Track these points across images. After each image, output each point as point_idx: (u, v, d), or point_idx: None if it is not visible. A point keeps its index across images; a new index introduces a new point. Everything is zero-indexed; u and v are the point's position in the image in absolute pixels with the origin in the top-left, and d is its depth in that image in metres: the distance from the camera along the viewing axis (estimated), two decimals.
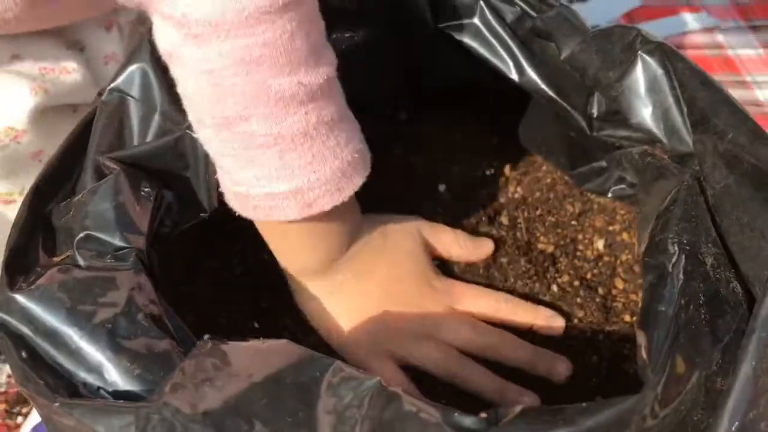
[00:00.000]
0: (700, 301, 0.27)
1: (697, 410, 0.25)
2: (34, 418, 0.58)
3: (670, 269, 0.28)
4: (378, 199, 0.52)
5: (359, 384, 0.27)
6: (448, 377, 0.42)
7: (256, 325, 0.46)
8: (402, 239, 0.46)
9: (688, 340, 0.25)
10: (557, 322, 0.45)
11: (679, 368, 0.25)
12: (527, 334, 0.45)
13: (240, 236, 0.49)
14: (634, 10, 1.13)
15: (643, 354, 0.26)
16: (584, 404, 0.23)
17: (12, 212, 0.48)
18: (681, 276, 0.27)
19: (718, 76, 0.99)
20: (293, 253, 0.43)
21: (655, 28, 1.08)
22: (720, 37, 1.05)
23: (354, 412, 0.26)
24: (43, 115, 0.46)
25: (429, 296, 0.45)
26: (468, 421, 0.23)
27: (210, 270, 0.48)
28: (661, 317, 0.26)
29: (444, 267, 0.48)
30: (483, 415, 0.23)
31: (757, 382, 0.26)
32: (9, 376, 0.68)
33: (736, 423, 0.25)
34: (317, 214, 0.38)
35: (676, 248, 0.29)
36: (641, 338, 0.26)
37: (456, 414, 0.23)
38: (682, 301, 0.26)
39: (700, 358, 0.25)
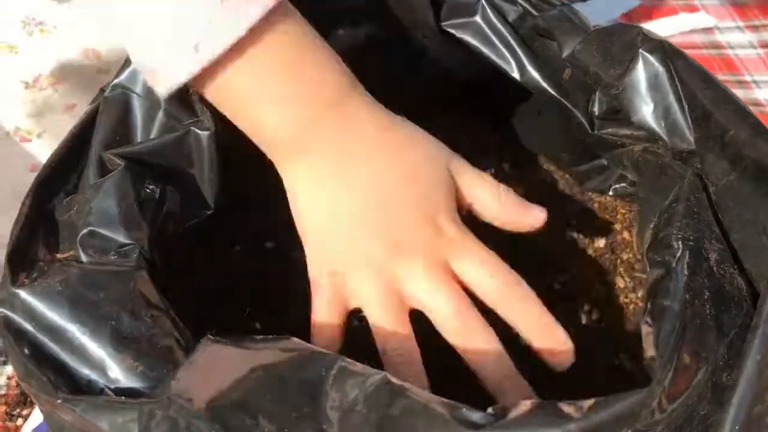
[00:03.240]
0: (705, 297, 0.27)
1: (703, 404, 0.25)
2: (35, 419, 0.58)
3: (675, 265, 0.28)
4: None
5: (364, 379, 0.27)
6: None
7: (258, 325, 0.46)
8: (419, 145, 0.38)
9: (694, 335, 0.25)
10: (565, 357, 0.35)
11: (685, 363, 0.25)
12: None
13: (242, 236, 0.49)
14: (633, 10, 1.13)
15: (651, 349, 0.26)
16: (593, 399, 0.23)
17: (21, 149, 0.48)
18: (685, 272, 0.27)
19: (718, 76, 0.99)
20: (250, 120, 0.36)
21: (654, 28, 1.08)
22: (719, 37, 1.05)
23: (360, 407, 0.26)
24: (79, 71, 0.45)
25: (426, 235, 0.34)
26: (476, 416, 0.23)
27: (211, 269, 0.48)
28: (667, 312, 0.26)
29: None
30: (490, 409, 0.24)
31: (762, 377, 0.26)
32: (9, 378, 0.68)
33: (742, 416, 0.25)
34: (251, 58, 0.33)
35: (680, 244, 0.29)
36: (648, 333, 0.27)
37: (464, 408, 0.23)
38: (687, 297, 0.26)
39: (706, 353, 0.25)
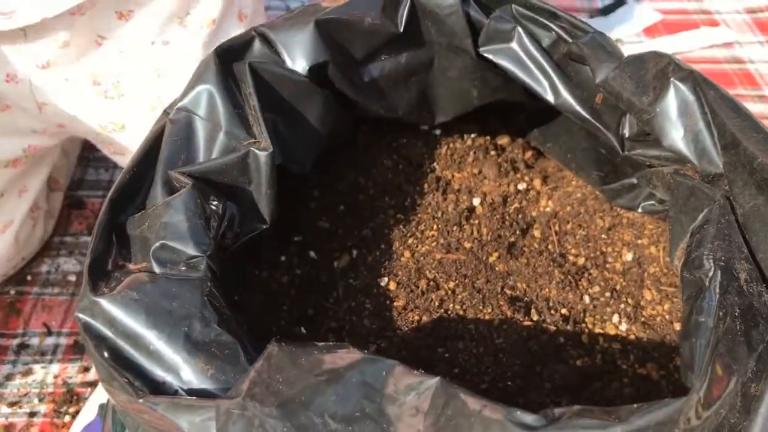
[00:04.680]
0: (736, 314, 0.29)
1: (733, 413, 0.27)
2: (86, 417, 0.61)
3: (708, 284, 0.31)
4: (413, 211, 0.55)
5: (420, 382, 0.29)
6: None
7: (303, 330, 0.49)
8: None
9: (726, 349, 0.28)
10: None
11: (718, 374, 0.27)
12: (553, 336, 0.47)
13: (285, 249, 0.52)
14: (655, 24, 1.15)
15: (687, 361, 0.28)
16: (635, 405, 0.26)
17: None
18: (717, 290, 0.30)
19: (738, 91, 1.01)
20: None
21: (675, 43, 1.10)
22: (740, 52, 1.07)
23: (417, 409, 0.29)
24: None
25: None
26: (529, 418, 0.25)
27: (259, 280, 0.50)
28: (702, 327, 0.28)
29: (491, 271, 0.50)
30: (541, 413, 0.26)
31: None
32: (56, 377, 0.71)
33: None
34: None
35: (712, 264, 0.31)
36: (685, 347, 0.29)
37: (518, 411, 0.26)
38: (720, 313, 0.29)
39: (737, 366, 0.28)
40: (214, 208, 0.39)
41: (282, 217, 0.53)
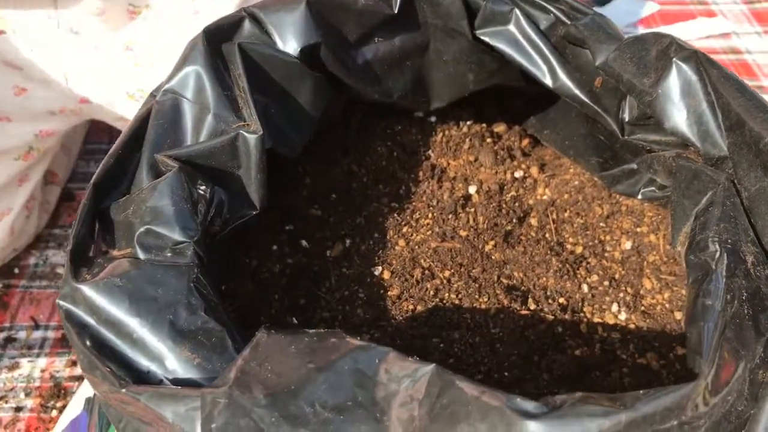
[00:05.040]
0: (743, 297, 0.28)
1: (741, 400, 0.26)
2: (72, 411, 0.59)
3: (714, 266, 0.29)
4: (408, 199, 0.53)
5: (415, 370, 0.28)
6: None
7: (295, 320, 0.47)
8: None
9: (733, 334, 0.27)
10: None
11: (726, 359, 0.26)
12: (551, 325, 0.46)
13: (277, 237, 0.51)
14: (652, 15, 1.14)
15: (695, 345, 0.27)
16: (641, 391, 0.24)
17: None
18: (724, 273, 0.29)
19: None
20: None
21: (672, 33, 1.09)
22: (737, 42, 1.06)
23: (412, 396, 0.27)
24: None
25: None
26: (530, 405, 0.24)
27: (249, 268, 0.49)
28: (709, 311, 0.27)
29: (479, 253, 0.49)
30: (543, 400, 0.25)
31: None
32: (43, 371, 0.69)
33: None
34: None
35: (718, 246, 0.30)
36: (692, 331, 0.28)
37: (518, 398, 0.25)
38: (728, 297, 0.28)
39: (744, 351, 0.27)
40: (201, 192, 0.38)
41: (273, 205, 0.52)
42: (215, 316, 0.34)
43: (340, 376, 0.29)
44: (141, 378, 0.32)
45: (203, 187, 0.38)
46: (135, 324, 0.33)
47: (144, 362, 0.33)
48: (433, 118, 0.58)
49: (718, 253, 0.30)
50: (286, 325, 0.47)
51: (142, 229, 0.36)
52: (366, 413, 0.28)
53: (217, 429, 0.28)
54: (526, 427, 0.24)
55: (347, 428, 0.27)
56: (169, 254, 0.35)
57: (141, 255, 0.35)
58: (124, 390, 0.31)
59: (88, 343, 0.33)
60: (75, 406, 0.60)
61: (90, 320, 0.33)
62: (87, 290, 0.34)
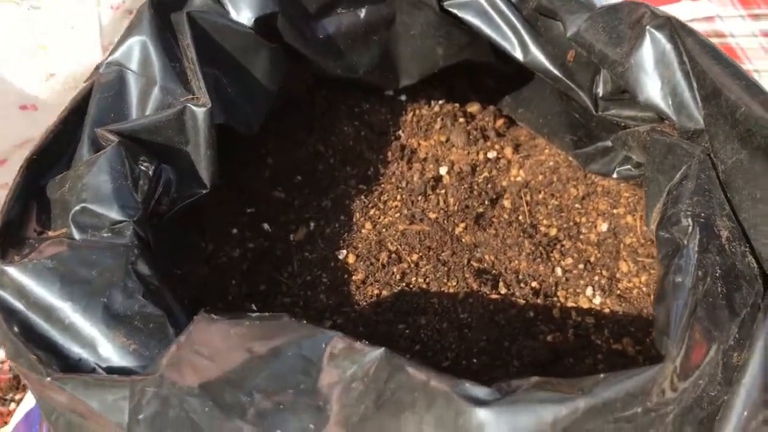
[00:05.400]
0: (717, 275, 0.26)
1: (714, 385, 0.24)
2: (27, 404, 0.57)
3: (686, 242, 0.27)
4: (376, 181, 0.51)
5: (363, 355, 0.26)
6: None
7: (254, 306, 0.45)
8: None
9: (705, 313, 0.25)
10: None
11: (697, 340, 0.24)
12: (523, 310, 0.44)
13: (237, 220, 0.48)
14: None
15: (662, 326, 0.25)
16: (602, 375, 0.22)
17: None
18: (696, 248, 0.27)
19: None
20: None
21: None
22: (721, 26, 1.04)
23: (357, 383, 0.25)
24: None
25: None
26: (480, 392, 0.22)
27: (205, 252, 0.47)
28: (678, 289, 0.25)
29: (446, 236, 0.47)
30: (496, 385, 0.23)
31: None
32: (2, 362, 0.67)
33: (753, 397, 0.24)
34: None
35: (690, 221, 0.28)
36: (659, 310, 0.26)
37: (467, 384, 0.22)
38: (699, 273, 0.25)
39: (717, 332, 0.24)
40: (144, 169, 0.35)
41: (233, 187, 0.49)
42: (155, 300, 0.32)
43: (283, 363, 0.27)
44: (72, 366, 0.30)
45: (146, 164, 0.35)
46: (66, 308, 0.31)
47: (76, 349, 0.30)
48: (403, 97, 0.56)
49: (690, 228, 0.28)
50: (246, 312, 0.44)
51: (77, 208, 0.33)
52: (308, 403, 0.26)
53: (145, 420, 0.26)
54: (474, 416, 0.21)
55: (286, 419, 0.25)
56: (106, 234, 0.33)
57: (76, 235, 0.33)
58: (49, 379, 0.28)
59: (15, 329, 0.31)
60: (30, 399, 0.57)
61: (18, 304, 0.31)
62: (14, 272, 0.31)
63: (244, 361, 0.27)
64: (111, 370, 0.30)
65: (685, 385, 0.23)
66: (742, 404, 0.25)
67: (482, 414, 0.21)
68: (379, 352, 0.26)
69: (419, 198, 0.50)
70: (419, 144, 0.54)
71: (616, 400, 0.21)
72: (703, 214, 0.29)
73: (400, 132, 0.55)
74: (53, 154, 0.37)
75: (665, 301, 0.25)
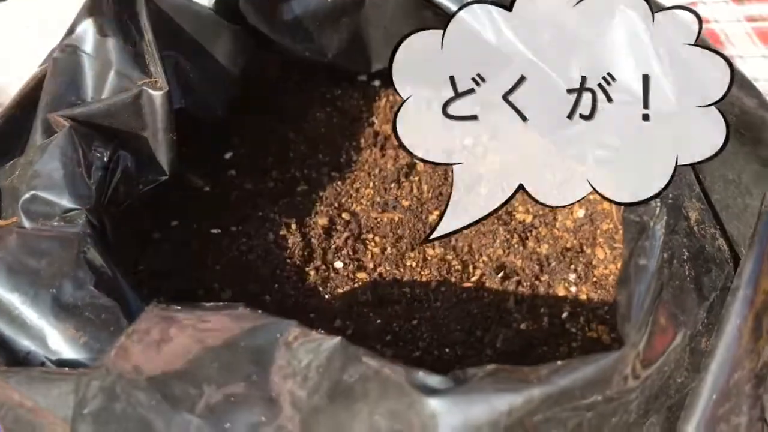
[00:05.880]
0: (684, 257, 0.25)
1: (680, 371, 0.23)
2: None
3: (652, 224, 0.26)
4: (348, 168, 0.50)
5: (318, 345, 0.25)
6: None
7: (222, 296, 0.44)
8: None
9: (671, 297, 0.24)
10: None
11: (662, 325, 0.23)
12: (496, 299, 0.43)
13: (194, 209, 0.47)
14: None
15: (624, 310, 0.24)
16: (559, 362, 0.21)
17: None
18: (663, 230, 0.26)
19: None
20: None
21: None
22: (705, 11, 1.03)
23: (312, 374, 0.24)
24: None
25: None
26: (434, 380, 0.21)
27: (162, 243, 0.45)
28: (641, 272, 0.24)
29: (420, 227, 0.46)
30: (451, 374, 0.22)
31: (742, 342, 0.24)
32: None
33: (721, 384, 0.23)
34: None
35: (658, 202, 0.27)
36: (621, 294, 0.25)
37: (420, 373, 0.21)
38: (665, 256, 0.25)
39: (684, 317, 0.24)
40: (98, 155, 0.34)
41: (201, 175, 0.48)
42: (108, 291, 0.31)
43: (235, 354, 0.26)
44: (20, 360, 0.29)
45: (101, 150, 0.34)
46: (14, 299, 0.29)
47: (24, 342, 0.29)
48: (376, 82, 0.55)
49: (657, 209, 0.27)
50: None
51: (27, 195, 0.32)
52: (259, 395, 0.24)
53: (90, 414, 0.25)
54: (427, 406, 0.20)
55: (236, 412, 0.24)
56: (57, 223, 0.32)
57: (26, 224, 0.32)
58: None
59: None
60: None
61: None
62: None
63: (195, 353, 0.26)
64: (61, 363, 0.29)
65: (649, 371, 0.22)
66: (710, 390, 0.24)
67: (434, 403, 0.21)
68: (335, 341, 0.25)
69: (392, 185, 0.49)
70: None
71: (574, 388, 0.20)
72: (671, 195, 0.28)
73: (374, 118, 0.53)
74: (5, 141, 0.36)
75: (627, 285, 0.24)
